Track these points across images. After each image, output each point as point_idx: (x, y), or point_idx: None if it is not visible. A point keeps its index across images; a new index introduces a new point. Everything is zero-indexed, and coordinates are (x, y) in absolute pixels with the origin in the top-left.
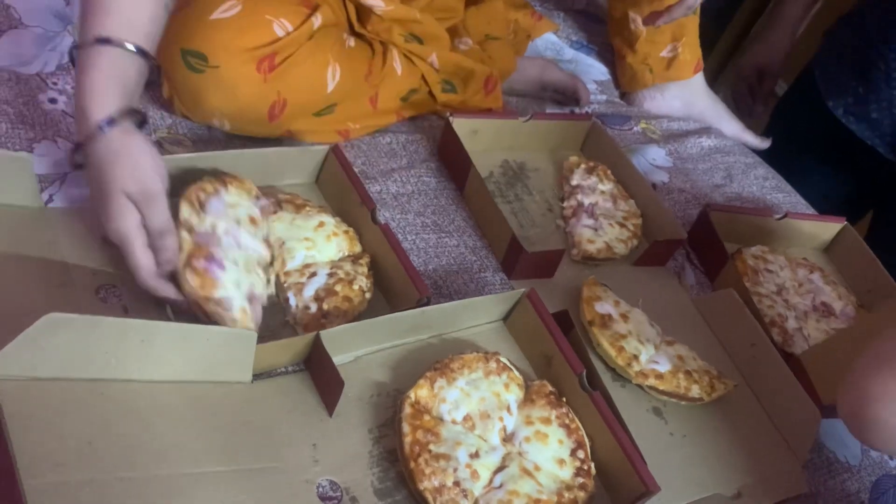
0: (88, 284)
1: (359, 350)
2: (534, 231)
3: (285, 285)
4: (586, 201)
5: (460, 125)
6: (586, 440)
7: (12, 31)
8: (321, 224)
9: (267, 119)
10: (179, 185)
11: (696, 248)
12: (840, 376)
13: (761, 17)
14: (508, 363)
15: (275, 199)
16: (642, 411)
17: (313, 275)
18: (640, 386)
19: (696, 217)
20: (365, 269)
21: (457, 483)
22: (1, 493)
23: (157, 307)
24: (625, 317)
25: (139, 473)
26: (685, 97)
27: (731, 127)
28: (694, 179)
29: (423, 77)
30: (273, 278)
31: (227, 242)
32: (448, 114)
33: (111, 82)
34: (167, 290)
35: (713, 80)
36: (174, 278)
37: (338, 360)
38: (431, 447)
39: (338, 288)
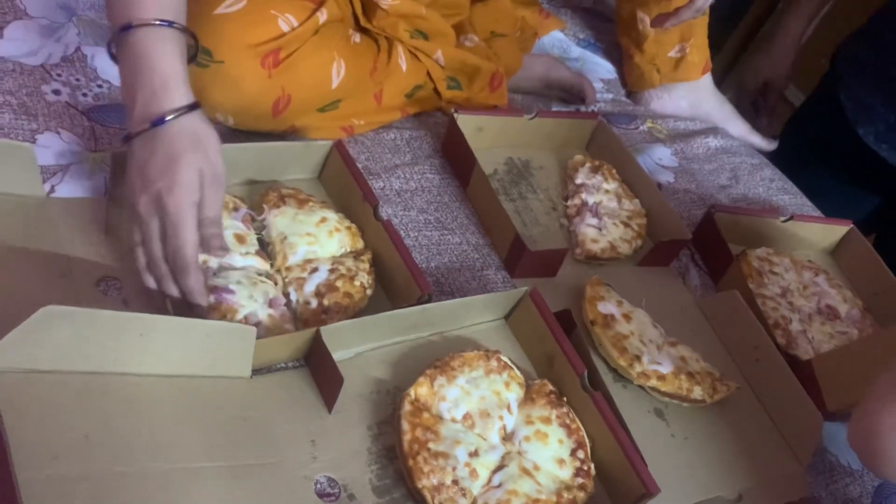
0: (89, 276)
1: (359, 346)
2: (537, 229)
3: (286, 280)
4: (590, 200)
5: (465, 122)
6: (587, 440)
7: (18, 21)
8: (323, 220)
9: (271, 114)
10: None
11: (701, 249)
12: (849, 385)
13: (767, 21)
14: (509, 362)
15: (278, 193)
16: (644, 412)
17: (314, 270)
18: (641, 387)
19: (701, 218)
20: (366, 266)
21: (455, 482)
22: None
23: (157, 301)
24: (627, 317)
25: (136, 468)
26: (692, 98)
27: (737, 128)
28: (700, 180)
29: (428, 73)
30: (279, 278)
31: (223, 271)
32: (453, 110)
33: (182, 65)
34: (198, 279)
35: (720, 81)
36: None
37: (338, 356)
38: (430, 445)
39: (339, 284)
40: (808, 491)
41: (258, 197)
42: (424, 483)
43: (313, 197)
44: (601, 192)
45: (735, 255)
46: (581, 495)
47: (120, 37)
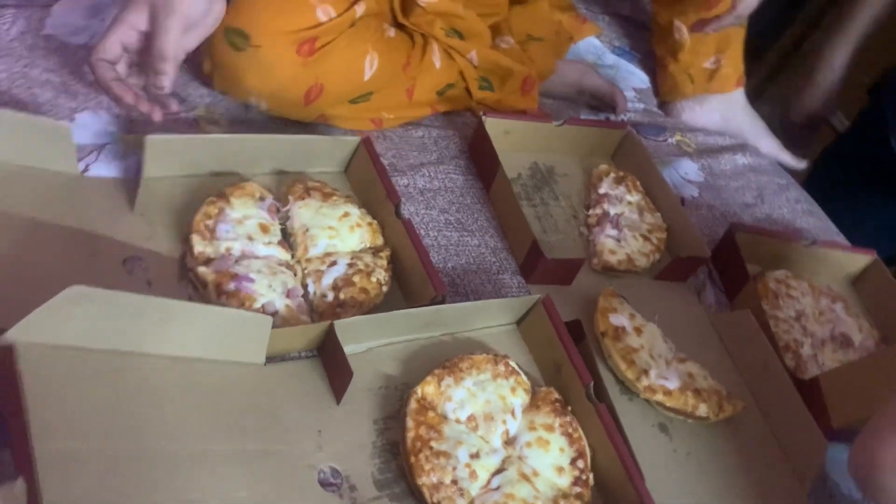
0: (116, 255)
1: (371, 341)
2: (556, 237)
3: (305, 271)
4: (612, 211)
5: (493, 125)
6: (587, 451)
7: (66, 0)
8: (346, 214)
9: (303, 102)
10: (190, 199)
11: (719, 267)
12: (855, 402)
13: (806, 42)
14: (517, 367)
15: (304, 185)
16: (648, 426)
17: (333, 264)
18: (647, 401)
19: (722, 236)
20: (384, 263)
21: (454, 481)
22: (14, 455)
23: (179, 283)
24: (638, 330)
25: (146, 447)
26: (724, 111)
27: (768, 144)
28: (724, 197)
29: (461, 73)
30: (299, 268)
31: (245, 258)
32: (482, 113)
33: None
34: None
35: (756, 98)
36: None
37: (350, 349)
38: (433, 444)
39: (356, 279)
40: None
41: (285, 188)
42: (424, 480)
43: (338, 191)
44: (624, 203)
45: (753, 275)
46: None
47: None
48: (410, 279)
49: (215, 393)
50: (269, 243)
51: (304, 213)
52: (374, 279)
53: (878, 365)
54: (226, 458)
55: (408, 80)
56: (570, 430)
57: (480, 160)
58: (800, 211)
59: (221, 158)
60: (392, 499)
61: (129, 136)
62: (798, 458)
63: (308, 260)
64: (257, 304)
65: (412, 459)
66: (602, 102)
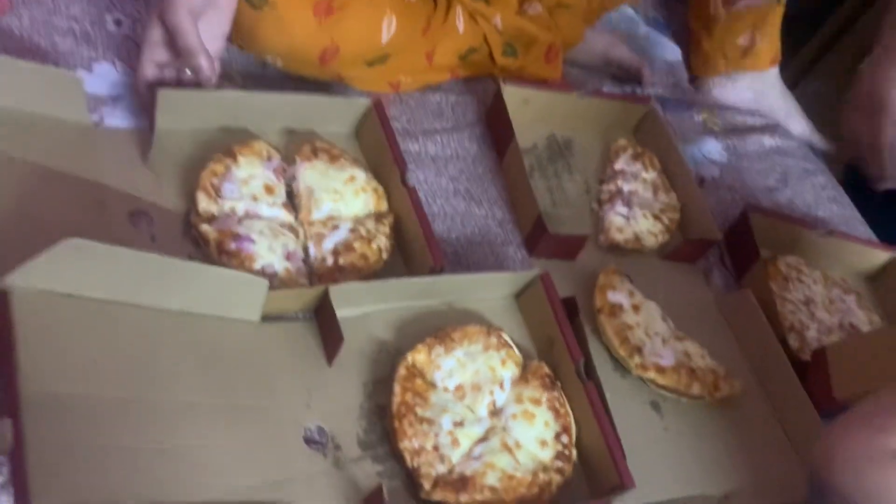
0: (122, 208)
1: (368, 306)
2: (566, 211)
3: (307, 234)
4: (626, 188)
5: (511, 93)
6: (573, 426)
7: None
8: (352, 178)
9: (318, 63)
10: (199, 153)
11: (731, 249)
12: (858, 375)
13: (849, 31)
14: (509, 340)
15: (312, 146)
16: (639, 403)
17: (335, 228)
18: (641, 378)
19: (735, 218)
20: (387, 230)
21: (436, 447)
22: (4, 397)
23: (183, 238)
24: (636, 308)
25: (134, 395)
26: (757, 89)
27: (799, 126)
28: (746, 179)
29: (484, 37)
30: (301, 231)
31: (248, 219)
32: (501, 80)
33: None
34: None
35: (795, 84)
36: None
37: (346, 312)
38: (418, 410)
39: (356, 245)
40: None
41: (293, 146)
42: (406, 445)
43: (346, 153)
44: (638, 180)
45: (764, 258)
46: (557, 478)
47: None
48: (412, 248)
49: (208, 347)
50: (274, 204)
51: (310, 174)
52: (374, 246)
53: (885, 340)
54: (212, 411)
55: (427, 44)
56: (557, 405)
57: (496, 129)
58: (824, 198)
59: (232, 114)
60: (375, 460)
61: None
62: (800, 442)
63: (310, 223)
64: (257, 265)
65: (396, 424)
66: (628, 74)
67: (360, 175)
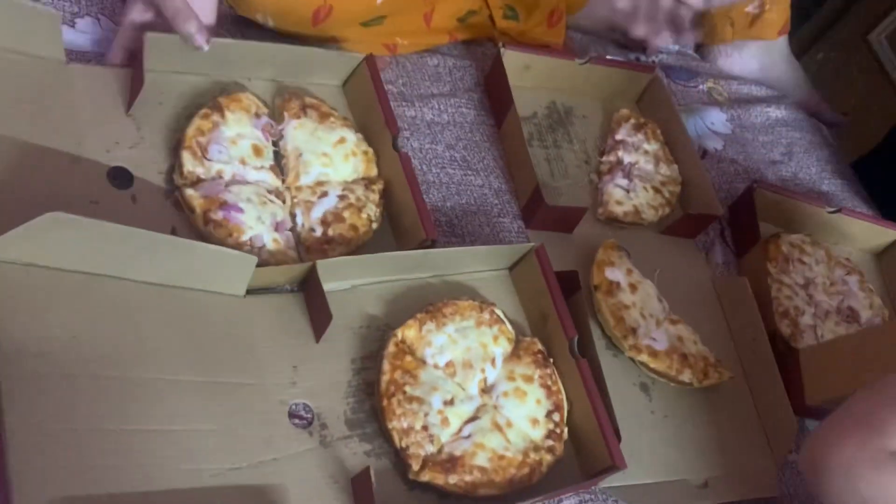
0: (100, 164)
1: (356, 279)
2: (564, 182)
3: (294, 200)
4: (626, 159)
5: (511, 58)
6: (565, 404)
7: None
8: (342, 140)
9: (311, 22)
10: (185, 103)
11: (734, 224)
12: (830, 381)
13: None
14: (502, 316)
15: (301, 102)
16: (629, 384)
17: (324, 194)
18: (632, 359)
19: (741, 192)
20: (376, 197)
21: (425, 427)
22: None
23: (165, 199)
24: (633, 287)
25: (116, 373)
26: (764, 59)
27: (807, 98)
28: (750, 151)
29: None
30: (288, 196)
31: (235, 184)
32: (500, 45)
33: None
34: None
35: (803, 53)
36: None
37: (334, 286)
38: (407, 388)
39: (346, 214)
40: (776, 491)
41: (281, 102)
42: (394, 424)
43: (336, 112)
44: (640, 152)
45: (767, 236)
46: (548, 458)
47: None
48: (402, 218)
49: (192, 322)
50: (261, 167)
51: (298, 134)
52: (364, 215)
53: (856, 345)
54: (196, 388)
55: (426, 5)
56: (550, 383)
57: (495, 95)
58: (829, 172)
59: (220, 63)
60: (362, 439)
61: None
62: (773, 432)
63: (298, 188)
64: (245, 237)
65: (384, 402)
66: (633, 41)
67: (350, 137)
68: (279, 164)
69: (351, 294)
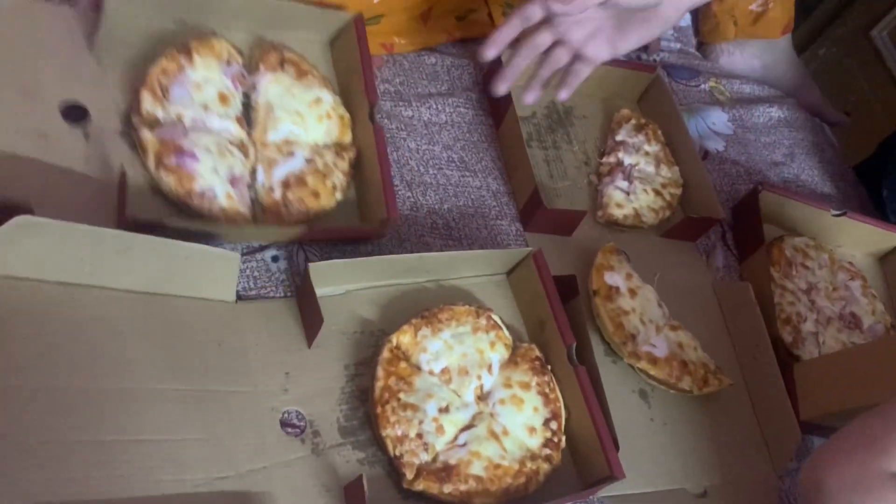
0: (56, 98)
1: (350, 284)
2: (563, 184)
3: (258, 156)
4: (627, 161)
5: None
6: (563, 412)
7: None
8: (318, 101)
9: None
10: (152, 46)
11: (737, 226)
12: (824, 396)
13: None
14: (499, 322)
15: (279, 55)
16: (628, 391)
17: (290, 154)
18: (631, 366)
19: (745, 194)
20: (346, 166)
21: (419, 435)
22: None
23: (120, 138)
24: (633, 292)
25: (97, 384)
26: (766, 58)
27: (810, 97)
28: (751, 152)
29: None
30: (252, 151)
31: (196, 131)
32: None
33: None
34: None
35: (804, 49)
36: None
37: (327, 290)
38: (401, 396)
39: (310, 179)
40: (778, 500)
41: (259, 53)
42: (388, 432)
43: (316, 70)
44: (640, 153)
45: (771, 239)
46: (545, 466)
47: None
48: (368, 193)
49: (179, 329)
50: (226, 116)
51: (272, 88)
52: (329, 183)
53: (849, 361)
54: (183, 398)
55: (423, 4)
56: (547, 391)
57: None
58: (830, 174)
59: (198, 9)
60: (355, 447)
61: None
62: (775, 442)
63: (264, 144)
64: (196, 186)
65: (378, 410)
66: None
67: (328, 98)
68: (247, 118)
69: (345, 298)
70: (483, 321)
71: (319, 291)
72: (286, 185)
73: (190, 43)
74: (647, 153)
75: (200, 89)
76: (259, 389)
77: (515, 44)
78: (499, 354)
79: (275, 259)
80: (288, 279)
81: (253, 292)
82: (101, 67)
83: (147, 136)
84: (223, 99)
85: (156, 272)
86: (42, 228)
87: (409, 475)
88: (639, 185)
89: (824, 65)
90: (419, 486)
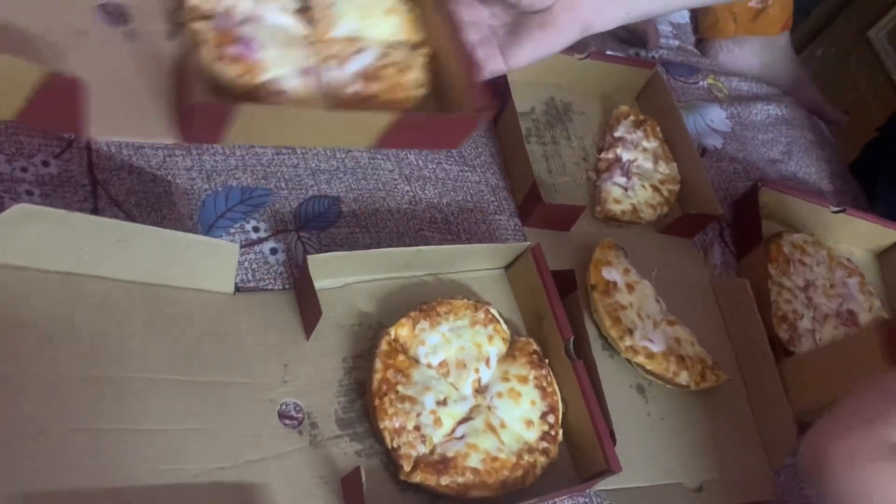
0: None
1: (349, 277)
2: (562, 179)
3: (325, 55)
4: (625, 156)
5: None
6: (560, 406)
7: None
8: None
9: None
10: None
11: (735, 223)
12: (811, 390)
13: None
14: (498, 316)
15: None
16: (625, 386)
17: (359, 51)
18: (628, 361)
19: (745, 191)
20: (422, 62)
21: (417, 427)
22: None
23: (169, 41)
24: (630, 287)
25: (95, 374)
26: (765, 56)
27: (808, 95)
28: (749, 150)
29: None
30: (317, 47)
31: (253, 22)
32: None
33: None
34: None
35: (802, 49)
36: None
37: (326, 283)
38: (399, 388)
39: (388, 73)
40: (774, 495)
41: None
42: (386, 424)
43: None
44: (639, 149)
45: (769, 236)
46: (542, 459)
47: None
48: (450, 90)
49: (177, 320)
50: (283, 10)
51: None
52: (409, 77)
53: (833, 354)
54: (181, 388)
55: None
56: (545, 384)
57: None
58: (828, 172)
59: None
60: (353, 439)
61: None
62: (771, 437)
63: (330, 41)
64: (266, 77)
65: (376, 402)
66: (634, 36)
67: None
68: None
69: (343, 291)
70: (481, 315)
71: (318, 284)
72: (364, 78)
73: None
74: (645, 149)
75: None
76: (257, 381)
77: None
78: (497, 348)
79: (273, 251)
80: (286, 271)
81: (251, 284)
82: None
83: (201, 26)
84: None
85: (155, 262)
86: (41, 217)
87: (407, 467)
88: (637, 181)
89: (822, 65)
90: (416, 477)
